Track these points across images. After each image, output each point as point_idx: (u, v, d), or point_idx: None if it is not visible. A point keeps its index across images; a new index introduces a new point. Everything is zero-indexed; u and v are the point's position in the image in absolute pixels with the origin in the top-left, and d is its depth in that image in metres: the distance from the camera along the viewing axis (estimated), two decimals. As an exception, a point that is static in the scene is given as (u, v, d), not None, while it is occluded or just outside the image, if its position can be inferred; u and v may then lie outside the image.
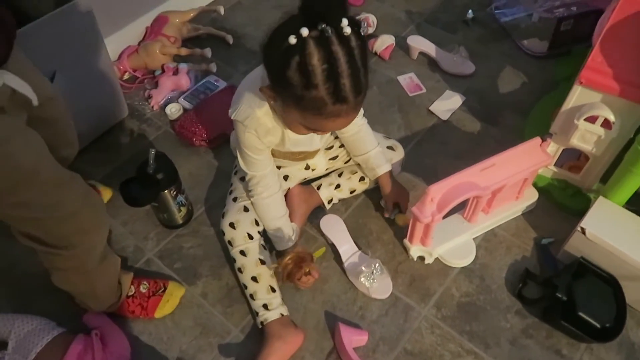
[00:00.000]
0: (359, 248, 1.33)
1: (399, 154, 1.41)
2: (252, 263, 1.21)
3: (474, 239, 1.35)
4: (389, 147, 1.40)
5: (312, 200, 1.37)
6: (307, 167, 1.38)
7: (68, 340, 1.11)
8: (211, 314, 1.26)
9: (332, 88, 0.85)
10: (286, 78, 0.86)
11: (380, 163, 1.31)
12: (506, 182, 1.25)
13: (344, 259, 1.30)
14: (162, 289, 1.24)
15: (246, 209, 1.24)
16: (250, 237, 1.22)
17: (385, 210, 1.38)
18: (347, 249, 1.32)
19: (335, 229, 1.35)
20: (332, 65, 0.83)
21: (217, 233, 1.39)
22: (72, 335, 1.13)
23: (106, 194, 1.44)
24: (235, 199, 1.27)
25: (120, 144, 1.62)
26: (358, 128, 1.29)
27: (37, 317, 1.15)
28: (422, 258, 1.32)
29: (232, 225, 1.23)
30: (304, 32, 0.81)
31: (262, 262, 1.22)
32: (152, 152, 1.22)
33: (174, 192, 1.31)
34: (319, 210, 1.40)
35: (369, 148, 1.30)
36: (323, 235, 1.36)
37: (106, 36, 1.66)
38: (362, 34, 0.86)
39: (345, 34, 0.82)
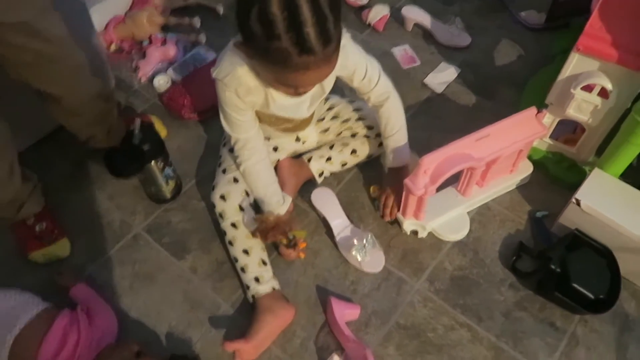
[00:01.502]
0: (351, 222, 1.31)
1: None
2: (243, 235, 1.19)
3: (467, 212, 1.33)
4: None
5: (303, 173, 1.35)
6: (298, 139, 1.35)
7: (53, 314, 1.09)
8: (201, 288, 1.24)
9: (295, 38, 0.81)
10: (249, 30, 0.83)
11: (390, 156, 1.27)
12: (501, 154, 1.23)
13: (335, 232, 1.29)
14: (51, 240, 1.25)
15: (236, 180, 1.22)
16: (242, 209, 1.20)
17: (379, 210, 1.32)
18: (339, 222, 1.30)
19: (327, 202, 1.33)
20: (293, 13, 0.79)
21: (207, 207, 1.37)
22: (57, 310, 1.11)
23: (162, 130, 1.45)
24: (224, 171, 1.24)
25: (107, 117, 1.58)
26: (380, 98, 1.21)
27: (21, 291, 1.13)
28: (415, 232, 1.30)
29: (222, 197, 1.21)
30: None
31: (254, 234, 1.20)
32: (138, 122, 1.19)
33: (161, 164, 1.28)
34: (310, 184, 1.38)
35: (393, 130, 1.24)
36: (314, 209, 1.34)
37: (91, 5, 1.62)
38: None
39: None
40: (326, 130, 1.36)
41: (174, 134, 1.52)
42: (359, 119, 1.34)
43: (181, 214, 1.36)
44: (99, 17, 1.71)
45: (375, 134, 1.35)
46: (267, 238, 1.16)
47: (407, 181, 1.18)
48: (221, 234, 1.30)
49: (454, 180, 1.29)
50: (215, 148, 1.47)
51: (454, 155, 1.19)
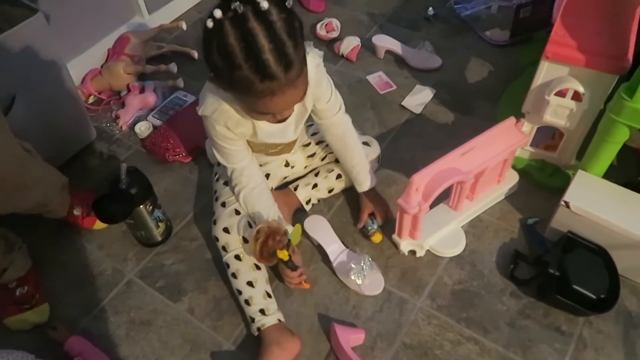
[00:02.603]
0: (346, 246, 1.30)
1: (375, 150, 1.39)
2: (248, 267, 1.17)
3: (461, 227, 1.33)
4: (364, 143, 1.38)
5: (291, 202, 1.35)
6: (287, 165, 1.36)
7: (48, 371, 1.03)
8: (200, 329, 1.20)
9: (255, 65, 0.83)
10: (214, 64, 0.86)
11: (364, 180, 1.29)
12: (487, 165, 1.24)
13: (332, 258, 1.27)
14: (30, 305, 1.21)
15: (237, 212, 1.21)
16: (246, 240, 1.19)
17: (359, 221, 1.33)
18: (335, 248, 1.29)
19: (320, 229, 1.32)
20: (249, 42, 0.82)
21: (200, 246, 1.35)
22: (53, 366, 1.06)
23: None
24: (224, 204, 1.24)
25: (90, 167, 1.57)
26: (341, 128, 1.25)
27: (14, 350, 1.07)
28: (413, 252, 1.30)
29: (226, 230, 1.20)
30: (217, 13, 0.81)
31: (258, 267, 1.19)
32: (124, 166, 1.18)
33: (150, 207, 1.26)
34: (300, 214, 1.37)
35: (354, 160, 1.27)
36: (308, 237, 1.32)
37: (68, 61, 1.64)
38: (288, 6, 0.84)
39: (262, 8, 0.81)
40: (313, 155, 1.37)
41: (159, 177, 1.50)
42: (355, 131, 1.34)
43: (174, 256, 1.34)
44: (76, 71, 1.72)
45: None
46: (264, 251, 1.10)
47: (400, 201, 1.18)
48: (217, 271, 1.29)
49: (444, 197, 1.30)
50: (202, 187, 1.47)
51: (442, 171, 1.20)
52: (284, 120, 1.01)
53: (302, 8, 2.07)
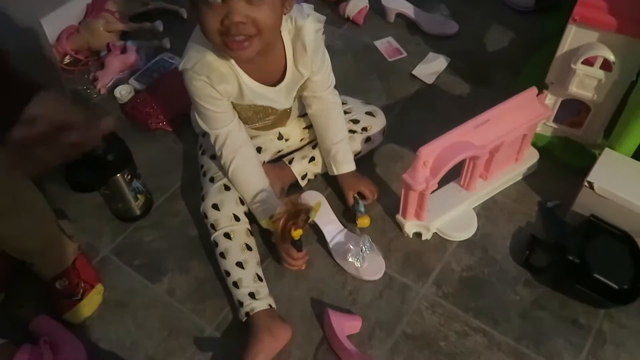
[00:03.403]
0: (345, 227, 1.31)
1: (380, 120, 1.40)
2: (238, 247, 1.19)
3: (473, 208, 1.34)
4: (368, 113, 1.39)
5: (285, 177, 1.35)
6: (281, 137, 1.36)
7: (11, 351, 1.05)
8: (180, 312, 1.21)
9: None
10: None
11: (344, 160, 1.31)
12: (504, 140, 1.25)
13: (328, 239, 1.28)
14: (79, 297, 1.20)
15: (227, 188, 1.23)
16: (237, 218, 1.20)
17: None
18: (332, 228, 1.30)
19: (316, 206, 1.32)
20: None
21: (182, 222, 1.36)
22: (16, 345, 1.07)
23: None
24: (212, 179, 1.25)
25: (64, 133, 1.57)
26: (327, 104, 1.27)
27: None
28: (418, 234, 1.30)
29: (215, 206, 1.21)
30: None
31: (249, 248, 1.20)
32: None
33: (128, 176, 1.27)
34: (294, 189, 1.37)
35: (335, 139, 1.29)
36: (303, 215, 1.33)
37: (42, 16, 1.63)
38: None
39: None
40: (309, 126, 1.37)
41: (140, 147, 1.50)
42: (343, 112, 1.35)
43: (154, 232, 1.35)
44: (51, 28, 1.71)
45: (361, 128, 1.37)
46: (290, 225, 1.10)
47: (405, 176, 1.19)
48: (201, 250, 1.30)
49: (455, 175, 1.31)
50: (188, 159, 1.48)
51: (453, 144, 1.20)
52: (237, 32, 0.97)
53: (305, -35, 2.07)
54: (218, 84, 1.08)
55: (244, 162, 1.20)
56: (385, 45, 1.76)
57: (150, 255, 1.31)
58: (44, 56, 1.50)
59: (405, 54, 1.73)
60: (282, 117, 1.29)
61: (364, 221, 1.31)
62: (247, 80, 1.11)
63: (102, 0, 1.81)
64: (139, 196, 1.33)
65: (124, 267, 1.29)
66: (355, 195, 1.32)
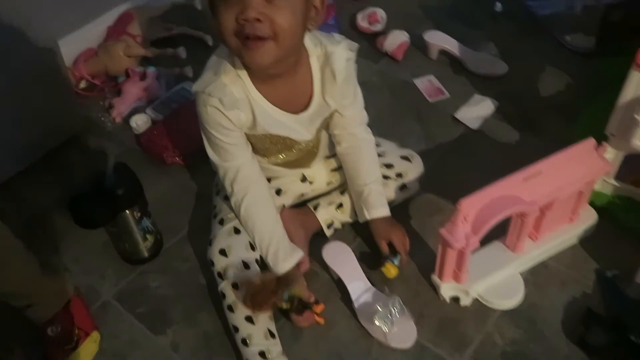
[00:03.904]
0: (373, 285, 1.27)
1: (417, 166, 1.37)
2: None
3: (519, 273, 1.29)
4: (404, 157, 1.36)
5: (309, 223, 1.33)
6: (304, 179, 1.34)
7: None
8: (184, 370, 1.18)
9: None
10: None
11: (377, 203, 1.28)
12: (557, 196, 1.21)
13: (353, 297, 1.24)
14: (73, 345, 1.17)
15: (237, 231, 1.21)
16: (247, 266, 1.17)
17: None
18: (358, 285, 1.26)
19: (342, 259, 1.29)
20: None
21: (193, 269, 1.35)
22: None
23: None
24: (222, 221, 1.24)
25: (73, 162, 1.59)
26: (358, 141, 1.26)
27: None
28: (456, 299, 1.25)
29: (223, 252, 1.19)
30: None
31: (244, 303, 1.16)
32: (112, 160, 1.19)
33: (138, 214, 1.26)
34: (319, 239, 1.35)
35: (368, 179, 1.27)
36: (326, 268, 1.30)
37: (61, 37, 1.67)
38: None
39: None
40: (338, 168, 1.35)
41: (153, 182, 1.50)
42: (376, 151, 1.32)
43: (161, 277, 1.34)
44: (69, 50, 1.76)
45: (395, 173, 1.34)
46: (255, 306, 1.11)
47: (443, 231, 1.15)
48: (211, 301, 1.27)
49: (500, 233, 1.27)
50: (204, 198, 1.47)
51: (499, 198, 1.16)
52: (253, 31, 0.96)
53: (343, -7, 2.10)
54: (229, 109, 1.08)
55: (257, 200, 1.19)
56: (426, 84, 1.75)
57: (155, 303, 1.29)
58: (58, 79, 1.54)
59: (447, 95, 1.72)
60: (307, 156, 1.28)
61: (391, 270, 1.26)
62: (264, 104, 1.10)
63: (124, 23, 1.86)
64: (147, 236, 1.32)
65: (126, 314, 1.28)
66: (392, 244, 1.28)
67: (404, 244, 1.29)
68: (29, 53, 1.43)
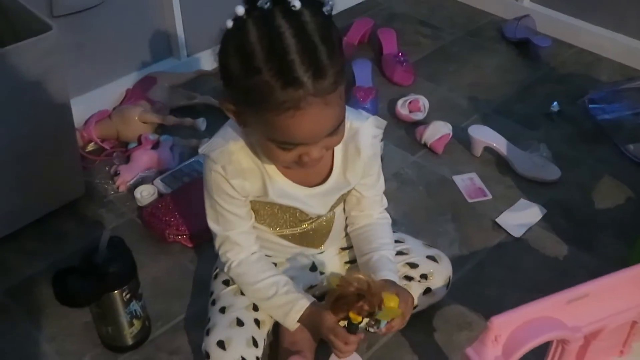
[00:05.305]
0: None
1: (444, 269, 1.37)
2: None
3: (556, 409, 1.25)
4: (430, 257, 1.36)
5: (321, 324, 1.30)
6: (314, 268, 1.35)
7: None
8: None
9: (277, 67, 0.90)
10: (228, 70, 0.95)
11: (384, 267, 1.25)
12: (606, 323, 1.19)
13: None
14: None
15: (240, 323, 1.21)
16: None
17: None
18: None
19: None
20: (273, 41, 0.90)
21: (181, 364, 1.34)
22: None
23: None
24: (222, 310, 1.24)
25: (67, 231, 1.63)
26: (374, 219, 1.31)
27: None
28: None
29: (221, 344, 1.19)
30: (240, 10, 0.91)
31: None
32: (106, 234, 1.22)
33: (127, 295, 1.27)
34: (327, 347, 1.33)
35: (374, 245, 1.28)
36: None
37: (74, 96, 1.75)
38: (326, 13, 0.94)
39: (293, 8, 0.90)
40: (353, 261, 1.36)
41: (149, 261, 1.53)
42: (398, 253, 1.34)
43: (144, 370, 1.33)
44: (81, 110, 1.83)
45: (420, 274, 1.34)
46: (344, 311, 1.11)
47: (470, 351, 1.13)
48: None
49: (538, 358, 1.24)
50: (204, 285, 1.48)
51: (537, 319, 1.15)
52: (312, 165, 1.04)
53: (383, 77, 2.19)
54: (233, 178, 1.12)
55: (250, 259, 1.23)
56: (467, 182, 1.78)
57: (133, 402, 1.28)
58: (64, 139, 1.60)
59: (490, 196, 1.73)
60: (320, 232, 1.29)
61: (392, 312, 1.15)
62: (276, 176, 1.14)
63: (145, 87, 1.95)
64: (135, 321, 1.32)
65: (98, 412, 1.27)
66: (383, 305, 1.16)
67: (406, 306, 1.20)
68: (36, 110, 1.49)
